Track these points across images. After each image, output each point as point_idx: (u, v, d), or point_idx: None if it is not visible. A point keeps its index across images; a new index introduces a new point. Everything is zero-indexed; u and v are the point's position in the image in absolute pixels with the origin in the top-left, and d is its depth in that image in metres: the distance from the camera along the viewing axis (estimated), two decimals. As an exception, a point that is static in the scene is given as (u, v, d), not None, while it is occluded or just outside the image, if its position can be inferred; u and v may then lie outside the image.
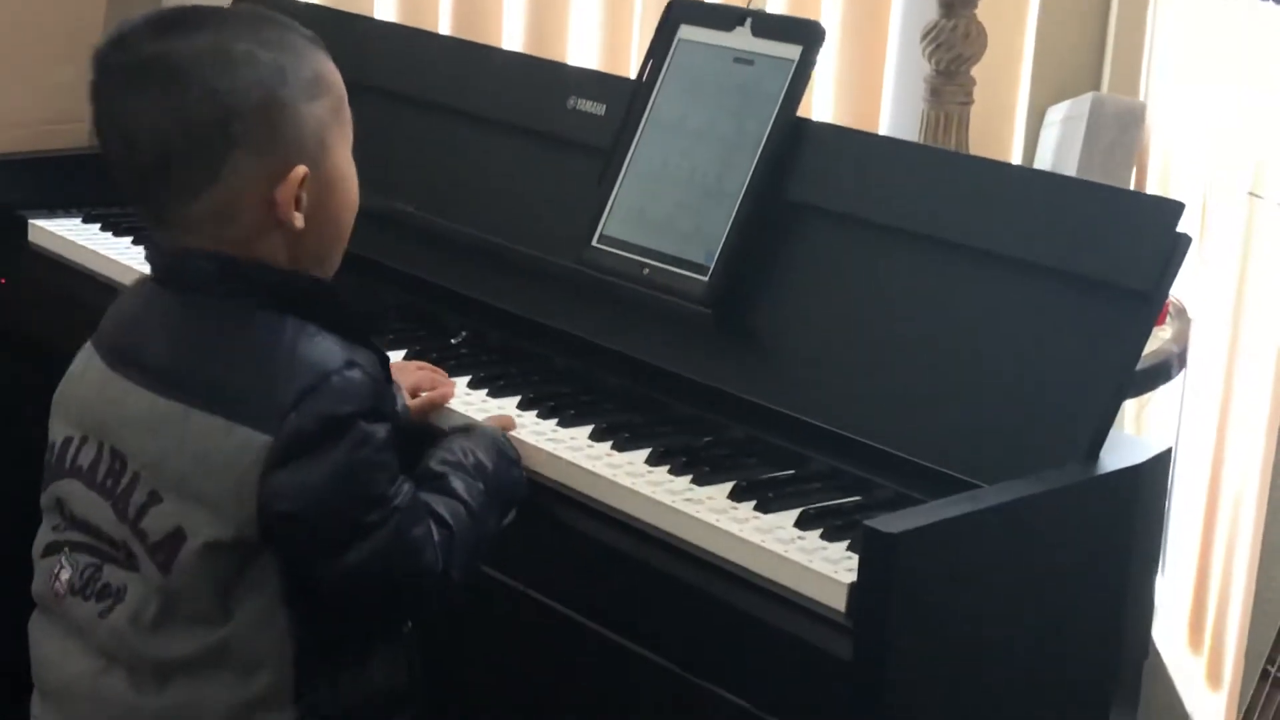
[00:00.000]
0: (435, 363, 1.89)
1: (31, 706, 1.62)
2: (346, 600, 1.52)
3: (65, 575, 1.56)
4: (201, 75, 1.49)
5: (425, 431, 1.73)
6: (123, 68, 1.52)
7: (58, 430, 1.60)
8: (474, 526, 1.56)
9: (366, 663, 1.56)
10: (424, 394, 1.78)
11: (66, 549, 1.57)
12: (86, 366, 1.60)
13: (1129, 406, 2.40)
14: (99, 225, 2.42)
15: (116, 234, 2.39)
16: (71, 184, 2.50)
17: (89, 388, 1.58)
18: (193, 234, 1.53)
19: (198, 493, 1.47)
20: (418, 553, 1.50)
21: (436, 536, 1.52)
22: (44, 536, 1.60)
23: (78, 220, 2.45)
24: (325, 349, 1.49)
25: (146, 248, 1.61)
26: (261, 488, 1.45)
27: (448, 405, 1.79)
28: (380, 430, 1.49)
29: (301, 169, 1.51)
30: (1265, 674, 1.35)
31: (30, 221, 2.44)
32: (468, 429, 1.68)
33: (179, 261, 1.54)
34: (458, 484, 1.58)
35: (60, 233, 2.40)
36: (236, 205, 1.51)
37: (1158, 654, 2.18)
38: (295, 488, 1.45)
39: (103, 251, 2.31)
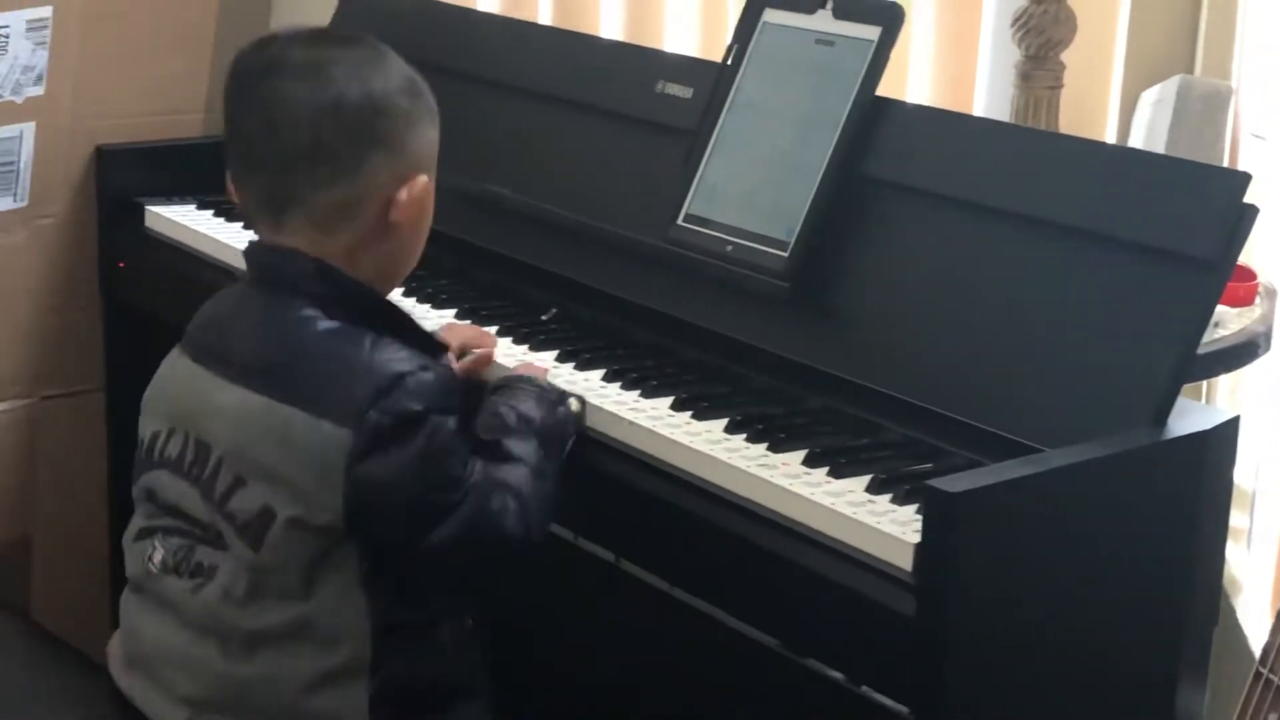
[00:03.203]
0: (525, 338, 1.96)
1: (116, 678, 1.72)
2: (438, 576, 1.62)
3: (159, 556, 1.67)
4: (359, 74, 1.64)
5: (473, 385, 1.81)
6: (273, 61, 1.65)
7: (147, 426, 1.71)
8: (539, 484, 1.65)
9: (437, 645, 1.65)
10: (471, 353, 1.86)
11: (160, 534, 1.67)
12: (174, 367, 1.71)
13: (1221, 383, 2.40)
14: (212, 211, 2.51)
15: (229, 220, 2.47)
16: (186, 172, 2.59)
17: (176, 384, 1.70)
18: (309, 225, 1.63)
19: (283, 478, 1.58)
20: (499, 523, 1.60)
21: (512, 505, 1.60)
22: (136, 524, 1.71)
23: (192, 207, 2.54)
24: (400, 355, 1.60)
25: (247, 250, 1.71)
26: (347, 480, 1.55)
27: (494, 360, 1.88)
28: (450, 421, 1.59)
29: (425, 177, 1.66)
30: (1258, 675, 1.37)
31: (147, 208, 2.53)
32: (506, 384, 1.76)
33: (280, 259, 1.65)
34: (512, 446, 1.66)
35: (175, 218, 2.49)
36: (364, 199, 1.64)
37: (1238, 627, 2.19)
38: (378, 479, 1.56)
39: (216, 236, 2.39)
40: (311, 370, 1.59)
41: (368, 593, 1.59)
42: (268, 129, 1.63)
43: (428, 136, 1.68)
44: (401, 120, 1.64)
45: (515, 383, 1.75)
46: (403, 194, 1.64)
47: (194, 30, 2.69)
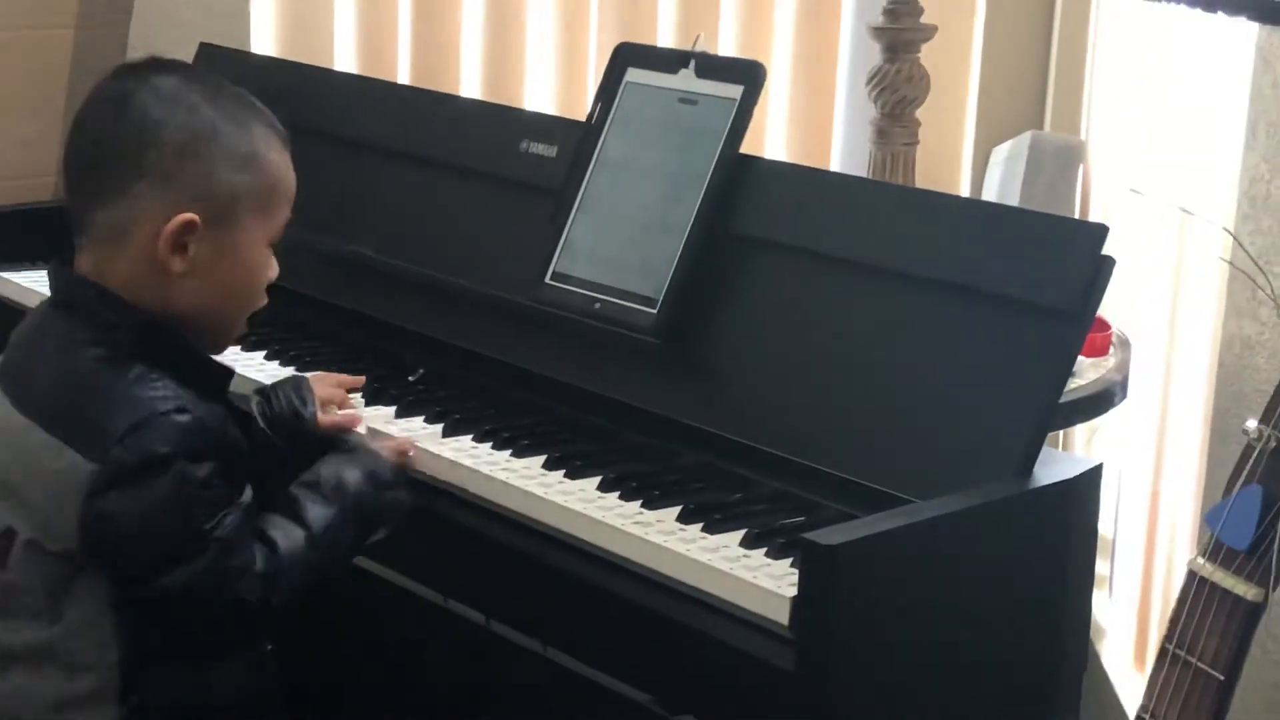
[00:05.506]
0: (393, 400, 1.94)
1: None
2: (171, 614, 1.61)
3: None
4: (144, 104, 1.65)
5: (331, 441, 1.80)
6: (101, 86, 1.70)
7: None
8: (310, 550, 1.65)
9: (203, 671, 1.65)
10: (336, 413, 1.85)
11: None
12: None
13: (1079, 432, 2.45)
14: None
15: (82, 285, 2.42)
16: (37, 238, 2.54)
17: None
18: (92, 247, 1.66)
19: (27, 501, 1.61)
20: (233, 583, 1.59)
21: (260, 565, 1.61)
22: None
23: (43, 273, 2.48)
24: (160, 393, 1.61)
25: (49, 269, 1.74)
26: (84, 511, 1.57)
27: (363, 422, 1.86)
28: (202, 469, 1.59)
29: (189, 215, 1.64)
30: (1164, 651, 1.40)
31: (-3, 275, 2.49)
32: (351, 450, 1.76)
33: (68, 281, 1.68)
34: (306, 508, 1.66)
35: (27, 285, 2.43)
36: (130, 228, 1.64)
37: (1104, 673, 2.23)
38: (111, 516, 1.57)
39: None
40: (71, 398, 1.62)
41: (118, 620, 1.60)
42: (67, 146, 1.70)
43: (219, 179, 1.65)
44: (174, 153, 1.63)
45: (362, 452, 1.76)
46: (165, 229, 1.63)
47: (45, 95, 2.65)
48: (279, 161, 1.71)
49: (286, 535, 1.63)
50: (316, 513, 1.66)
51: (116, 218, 1.64)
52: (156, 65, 1.71)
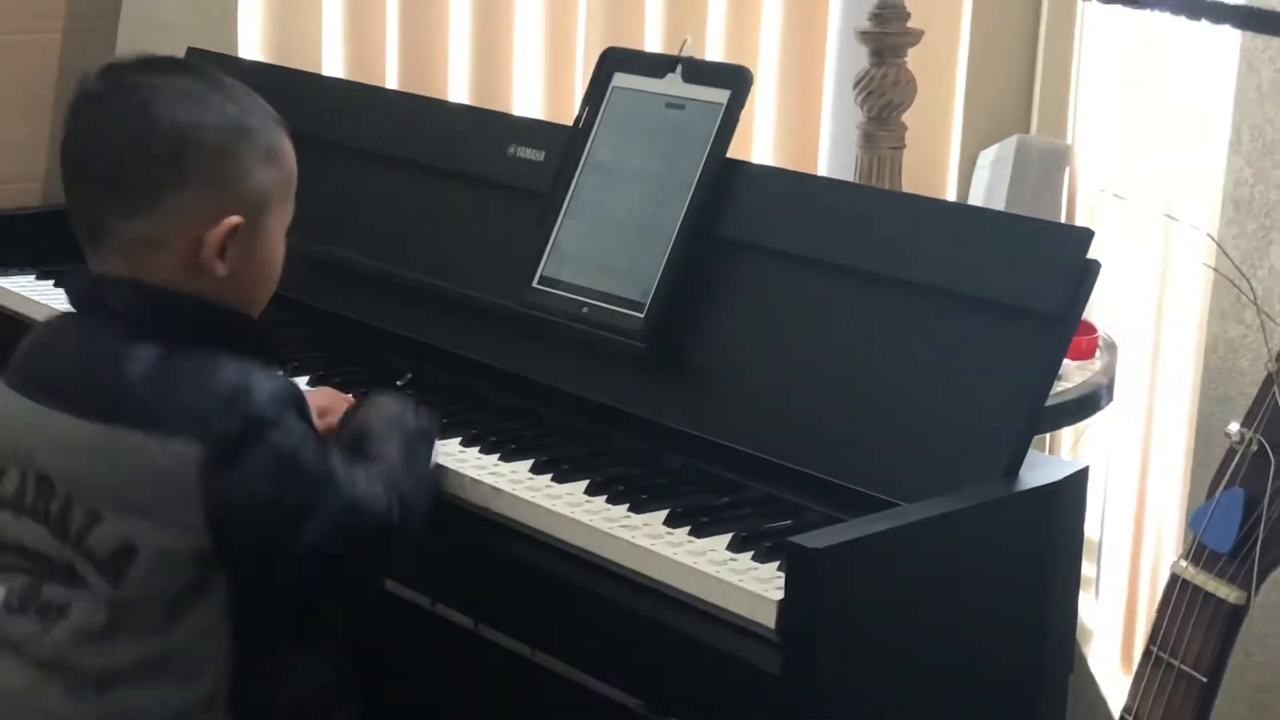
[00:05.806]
0: (381, 403, 1.94)
1: None
2: (322, 580, 1.61)
3: (0, 596, 1.62)
4: (171, 108, 1.60)
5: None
6: (103, 89, 1.63)
7: None
8: (411, 466, 1.66)
9: (299, 667, 1.64)
10: (331, 418, 1.84)
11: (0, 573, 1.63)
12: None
13: (1065, 435, 2.46)
14: (53, 281, 2.45)
15: (70, 290, 2.42)
16: (25, 242, 2.55)
17: (3, 420, 1.65)
18: (118, 257, 1.62)
19: (141, 507, 1.55)
20: (369, 505, 1.59)
21: (380, 486, 1.61)
22: None
23: (32, 277, 2.48)
24: (235, 365, 1.59)
25: (64, 278, 1.70)
26: (205, 495, 1.53)
27: None
28: (298, 421, 1.59)
29: (236, 219, 1.61)
30: (1148, 653, 1.41)
31: (-15, 280, 2.48)
32: (363, 402, 1.79)
33: (97, 288, 1.63)
34: (376, 445, 1.67)
35: (14, 289, 2.44)
36: (169, 235, 1.61)
37: (1090, 675, 2.23)
38: (234, 489, 1.54)
39: (57, 307, 2.34)
40: (147, 393, 1.57)
41: (232, 624, 1.58)
42: (80, 156, 1.64)
43: (254, 177, 1.63)
44: (212, 156, 1.60)
45: (372, 398, 1.78)
46: (209, 234, 1.60)
47: (32, 99, 2.65)
48: (288, 146, 1.70)
49: (380, 462, 1.64)
50: (385, 447, 1.67)
51: (152, 228, 1.60)
52: (159, 65, 1.67)
